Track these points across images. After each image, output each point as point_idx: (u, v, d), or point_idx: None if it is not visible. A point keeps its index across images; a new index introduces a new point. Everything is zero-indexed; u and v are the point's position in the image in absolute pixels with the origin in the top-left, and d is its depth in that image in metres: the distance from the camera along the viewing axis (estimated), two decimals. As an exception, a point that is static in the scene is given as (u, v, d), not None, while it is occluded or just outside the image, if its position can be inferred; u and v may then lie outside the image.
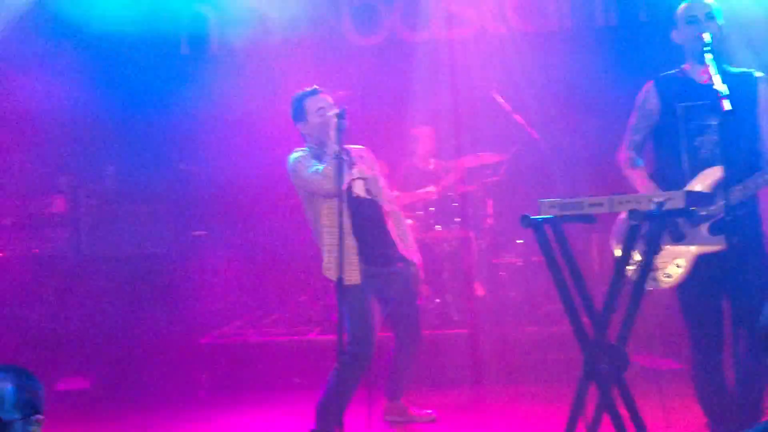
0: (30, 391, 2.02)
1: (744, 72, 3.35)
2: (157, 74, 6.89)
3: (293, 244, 6.35)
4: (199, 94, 6.85)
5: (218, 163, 6.88)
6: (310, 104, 3.97)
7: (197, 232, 6.75)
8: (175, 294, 6.33)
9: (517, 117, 6.05)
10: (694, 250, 3.20)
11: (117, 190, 6.68)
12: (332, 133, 3.75)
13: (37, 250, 6.37)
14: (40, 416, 2.01)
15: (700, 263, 3.19)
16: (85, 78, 6.58)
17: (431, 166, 6.61)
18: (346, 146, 4.05)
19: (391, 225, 4.06)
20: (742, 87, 3.25)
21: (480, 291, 6.21)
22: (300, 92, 4.05)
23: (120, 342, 5.91)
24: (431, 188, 6.09)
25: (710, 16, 3.29)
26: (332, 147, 3.75)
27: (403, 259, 4.07)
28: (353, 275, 3.81)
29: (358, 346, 3.81)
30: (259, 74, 6.95)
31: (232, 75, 6.98)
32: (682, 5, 3.37)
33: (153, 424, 4.77)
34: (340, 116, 3.72)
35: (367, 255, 3.92)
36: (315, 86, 4.07)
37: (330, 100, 4.00)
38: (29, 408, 1.99)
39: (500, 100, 6.10)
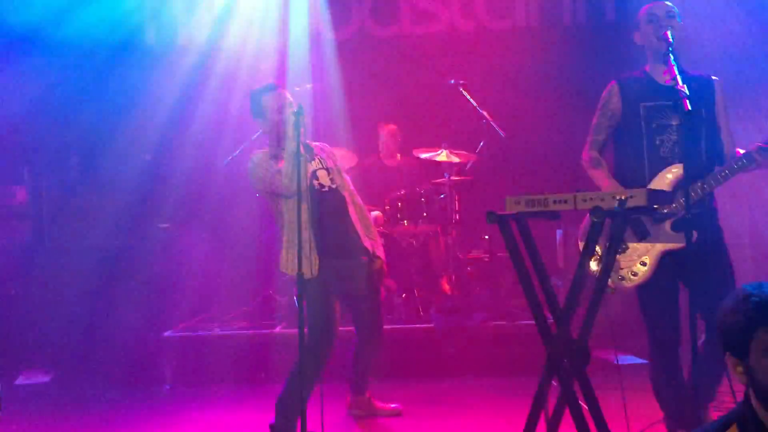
0: None
1: (701, 75, 3.44)
2: (121, 64, 6.80)
3: (259, 237, 6.33)
4: (164, 86, 6.79)
5: (184, 155, 6.82)
6: (269, 101, 3.94)
7: (162, 225, 6.68)
8: (139, 287, 6.26)
9: (484, 113, 6.09)
10: (658, 247, 3.27)
11: (80, 181, 6.60)
12: (290, 130, 3.72)
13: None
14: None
15: (666, 259, 3.26)
16: (47, 69, 6.47)
17: (396, 162, 6.64)
18: (307, 142, 4.04)
19: (354, 216, 4.04)
20: (701, 89, 3.33)
21: (446, 286, 6.25)
22: (258, 88, 4.01)
23: (83, 335, 5.84)
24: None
25: (671, 16, 3.36)
26: (290, 145, 3.72)
27: (366, 251, 4.05)
28: (309, 269, 3.77)
29: (317, 339, 3.80)
30: (227, 67, 6.91)
31: (199, 67, 6.93)
32: (644, 7, 3.44)
33: (116, 417, 4.73)
34: (297, 113, 3.67)
35: (328, 247, 3.89)
36: (272, 82, 4.04)
37: (289, 96, 3.96)
38: None
39: (467, 96, 6.14)
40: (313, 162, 3.99)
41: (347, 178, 4.19)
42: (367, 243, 4.05)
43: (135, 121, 6.80)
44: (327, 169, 4.02)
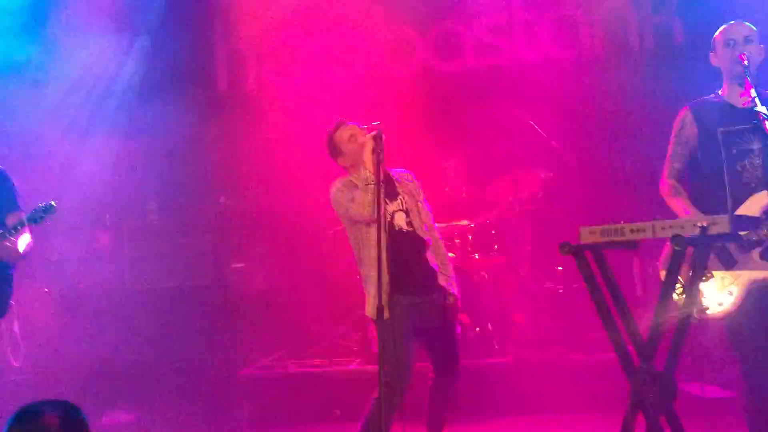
0: (76, 425, 2.05)
1: None
2: (194, 111, 7.05)
3: (332, 275, 6.39)
4: (236, 130, 6.99)
5: (257, 197, 6.99)
6: (340, 136, 4.01)
7: (237, 264, 6.83)
8: (216, 326, 6.40)
9: (554, 143, 6.03)
10: (746, 276, 3.13)
11: (159, 224, 6.82)
12: (367, 157, 3.75)
13: (81, 285, 6.51)
14: (85, 449, 2.04)
15: (754, 289, 3.12)
16: (125, 119, 6.77)
17: (463, 196, 6.61)
18: (389, 170, 4.07)
19: (429, 255, 4.04)
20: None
21: (520, 319, 6.14)
22: (329, 129, 4.08)
23: (163, 374, 5.97)
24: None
25: (749, 40, 3.26)
26: (366, 174, 3.76)
27: (441, 289, 4.04)
28: (386, 309, 3.78)
29: (393, 377, 3.77)
30: (296, 108, 7.07)
31: (269, 109, 7.12)
32: (721, 28, 3.35)
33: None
34: (375, 138, 3.72)
35: (404, 285, 3.89)
36: (340, 119, 4.11)
37: (357, 126, 4.02)
38: None
39: (536, 126, 6.09)
40: (394, 202, 4.00)
41: (427, 211, 4.18)
42: (441, 280, 4.03)
43: (208, 164, 7.02)
44: (405, 211, 4.02)
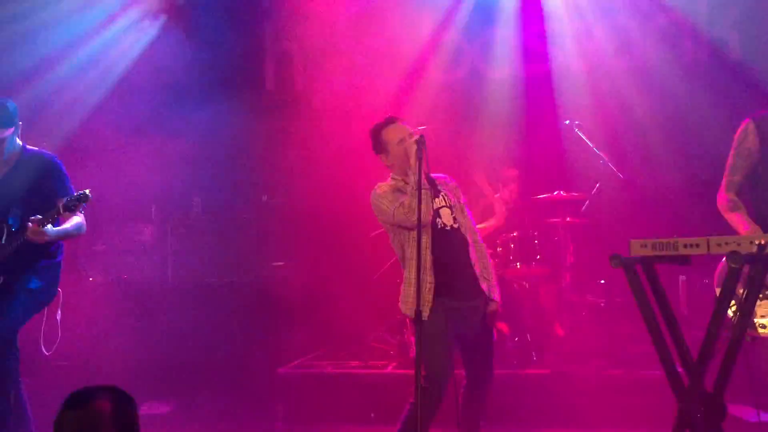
0: (127, 412, 2.07)
1: None
2: (242, 110, 7.12)
3: (372, 277, 6.38)
4: (282, 130, 7.05)
5: (300, 196, 7.02)
6: (389, 135, 3.95)
7: (277, 263, 6.87)
8: (254, 323, 6.45)
9: (601, 154, 5.95)
10: None
11: (203, 220, 6.90)
12: (413, 162, 3.71)
13: (125, 276, 6.62)
14: (136, 433, 2.06)
15: None
16: (175, 117, 6.86)
17: (513, 205, 6.55)
18: (431, 175, 4.04)
19: (474, 257, 3.99)
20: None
21: (560, 331, 6.06)
22: (378, 123, 4.04)
23: (201, 369, 6.03)
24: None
25: None
26: (413, 178, 3.72)
27: (482, 294, 4.00)
28: (426, 311, 3.74)
29: (432, 381, 3.74)
30: (342, 110, 7.09)
31: (315, 110, 7.16)
32: None
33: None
34: (419, 143, 3.68)
35: (447, 288, 3.84)
36: (390, 116, 4.07)
37: (408, 129, 3.97)
38: (126, 425, 2.04)
39: (583, 136, 6.01)
40: (437, 199, 3.97)
41: (470, 215, 4.15)
42: (483, 285, 3.98)
43: (252, 162, 7.09)
44: (450, 207, 3.98)
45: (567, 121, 6.11)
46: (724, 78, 6.52)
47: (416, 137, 3.73)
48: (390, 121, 4.01)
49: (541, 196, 6.21)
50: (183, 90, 7.04)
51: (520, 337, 5.87)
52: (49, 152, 4.44)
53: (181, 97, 7.04)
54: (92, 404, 2.04)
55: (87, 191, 4.14)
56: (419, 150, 3.66)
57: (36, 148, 4.40)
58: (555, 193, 6.12)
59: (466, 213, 4.06)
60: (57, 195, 4.20)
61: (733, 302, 3.08)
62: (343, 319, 6.63)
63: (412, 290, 3.75)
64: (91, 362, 5.84)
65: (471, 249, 3.96)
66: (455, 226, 3.94)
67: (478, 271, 3.97)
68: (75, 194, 4.14)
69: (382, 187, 3.97)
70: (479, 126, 7.03)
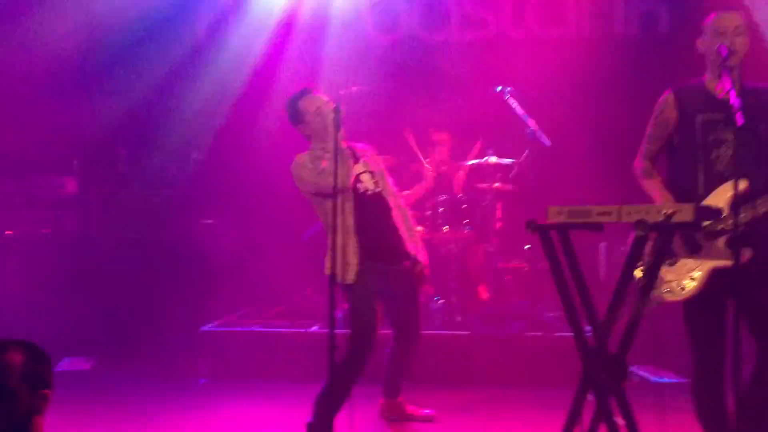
0: (39, 365, 2.04)
1: (761, 87, 3.33)
2: (173, 64, 6.92)
3: (301, 236, 6.37)
4: (213, 85, 6.88)
5: (230, 154, 6.91)
6: (306, 105, 3.96)
7: (206, 221, 6.78)
8: (180, 281, 6.37)
9: (531, 121, 6.03)
10: (710, 263, 3.17)
11: (128, 175, 6.73)
12: (331, 129, 3.71)
13: (47, 230, 6.42)
14: (47, 391, 2.03)
15: (716, 276, 3.17)
16: (101, 63, 6.62)
17: (443, 169, 6.60)
18: (350, 144, 4.05)
19: (398, 221, 4.05)
20: (758, 102, 3.23)
21: (484, 294, 6.20)
22: (293, 94, 4.03)
23: (124, 325, 5.95)
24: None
25: (738, 32, 3.26)
26: (331, 144, 3.71)
27: (408, 256, 4.06)
28: (350, 274, 3.81)
29: (357, 342, 3.80)
30: (276, 66, 6.97)
31: (248, 67, 7.01)
32: (712, 16, 3.34)
33: (152, 408, 4.79)
34: (335, 111, 3.66)
35: (371, 250, 3.90)
36: (305, 87, 4.05)
37: (324, 98, 3.99)
38: (37, 381, 2.01)
39: (514, 103, 6.08)
40: (357, 165, 4.00)
41: (391, 181, 4.19)
42: (410, 247, 4.05)
43: (183, 117, 6.92)
44: (371, 173, 4.02)
45: (499, 88, 6.15)
46: (653, 50, 6.67)
47: (333, 106, 3.74)
48: (305, 91, 4.01)
49: (470, 161, 6.28)
50: (111, 41, 6.79)
51: (446, 300, 5.98)
52: None
53: (109, 49, 6.79)
54: (2, 356, 1.99)
55: None
56: (336, 117, 3.66)
57: None
58: (484, 158, 6.20)
59: (386, 179, 4.11)
60: None
61: (641, 269, 3.20)
62: (271, 279, 6.62)
63: (336, 254, 3.79)
64: (7, 317, 5.67)
65: (394, 212, 4.02)
66: (377, 190, 3.98)
67: (403, 234, 4.03)
68: None
69: (302, 157, 3.97)
70: (412, 89, 7.02)
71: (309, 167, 3.88)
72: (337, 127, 3.65)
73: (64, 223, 6.51)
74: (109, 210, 6.55)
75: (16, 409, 1.95)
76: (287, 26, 7.04)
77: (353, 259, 3.84)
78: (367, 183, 3.98)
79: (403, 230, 4.05)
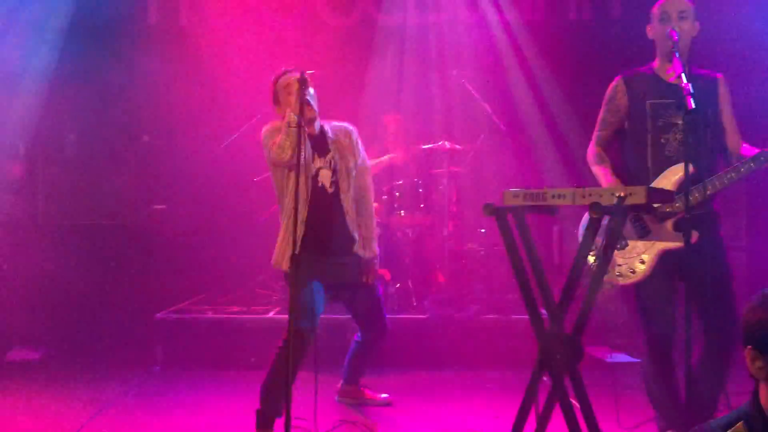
0: None
1: (707, 73, 3.41)
2: (122, 42, 6.76)
3: (255, 223, 6.30)
4: (164, 67, 6.74)
5: (182, 138, 6.79)
6: (279, 85, 3.92)
7: (158, 206, 6.66)
8: (132, 267, 6.26)
9: (486, 106, 6.06)
10: (659, 246, 3.25)
11: (77, 158, 6.56)
12: (293, 100, 3.66)
13: (-7, 217, 6.23)
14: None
15: (665, 258, 3.24)
16: (47, 42, 6.42)
17: (399, 151, 6.59)
18: (326, 124, 4.00)
19: (350, 221, 3.97)
20: (706, 87, 3.31)
21: (441, 278, 6.24)
22: (274, 77, 3.98)
23: (75, 313, 5.82)
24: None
25: (683, 16, 3.32)
26: (289, 117, 3.66)
27: (356, 257, 3.99)
28: (287, 263, 3.66)
29: (295, 326, 3.74)
30: (230, 49, 6.86)
31: (201, 49, 6.88)
32: (658, 2, 3.40)
33: (105, 396, 4.71)
34: (300, 81, 3.59)
35: (314, 243, 3.82)
36: (284, 68, 3.99)
37: (295, 75, 3.88)
38: None
39: (470, 88, 6.10)
40: (321, 159, 3.91)
41: (362, 170, 4.07)
42: (360, 250, 3.98)
43: (133, 101, 6.77)
44: (332, 170, 3.94)
45: (455, 72, 6.17)
46: (605, 35, 6.75)
47: (298, 75, 3.65)
48: (283, 73, 3.95)
49: (426, 145, 6.29)
50: (60, 23, 6.59)
51: (402, 284, 6.00)
52: None
53: (60, 30, 6.58)
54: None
55: None
56: (300, 88, 3.58)
57: None
58: (440, 143, 6.21)
59: (356, 173, 4.02)
60: None
61: (593, 251, 3.26)
62: (226, 265, 6.55)
63: (283, 239, 3.79)
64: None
65: (348, 216, 3.94)
66: (331, 190, 3.91)
67: (354, 237, 3.96)
68: None
69: (271, 124, 3.91)
70: (369, 73, 6.98)
71: (268, 136, 3.82)
72: (301, 97, 3.56)
73: (10, 209, 6.32)
74: (58, 196, 6.37)
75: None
76: (243, 6, 6.93)
77: (292, 248, 3.74)
78: (324, 179, 3.92)
79: (352, 227, 3.95)
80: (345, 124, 4.12)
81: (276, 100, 3.96)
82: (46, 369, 5.43)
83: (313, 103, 3.83)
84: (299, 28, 6.85)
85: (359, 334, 4.31)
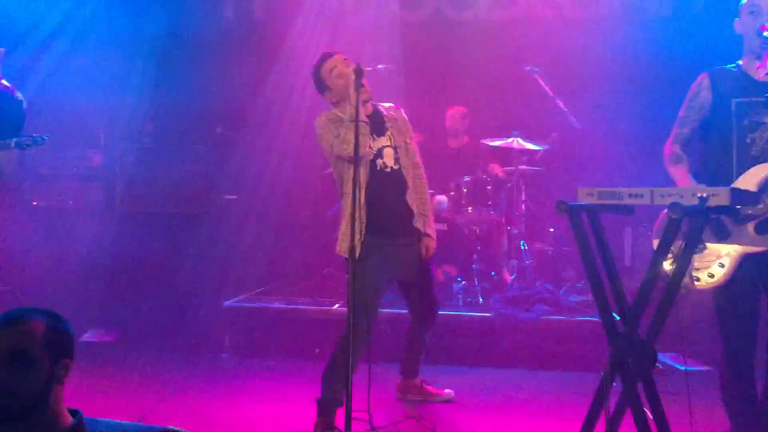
0: (61, 335, 2.04)
1: None
2: (199, 36, 6.91)
3: (323, 214, 6.36)
4: (239, 61, 6.86)
5: (254, 130, 6.90)
6: (325, 70, 3.89)
7: (230, 196, 6.78)
8: (204, 255, 6.38)
9: (559, 102, 5.94)
10: (739, 249, 3.10)
11: (153, 149, 6.74)
12: (351, 92, 3.62)
13: (72, 202, 6.47)
14: (68, 360, 2.03)
15: (747, 262, 3.10)
16: (130, 37, 6.63)
17: (461, 144, 6.54)
18: (378, 105, 3.99)
19: (410, 197, 3.96)
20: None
21: (507, 276, 6.15)
22: (316, 61, 3.96)
23: (148, 298, 5.98)
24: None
25: None
26: (350, 110, 3.63)
27: (417, 231, 3.98)
28: (358, 249, 3.67)
29: (357, 317, 3.74)
30: (304, 43, 6.93)
31: (276, 46, 6.98)
32: None
33: (174, 380, 4.83)
34: (356, 73, 3.58)
35: (380, 227, 3.83)
36: (325, 52, 3.97)
37: (342, 57, 3.90)
38: (59, 350, 2.01)
39: (542, 83, 5.99)
40: (382, 138, 3.92)
41: (414, 148, 4.09)
42: (418, 224, 3.98)
43: (208, 93, 6.91)
44: (394, 148, 3.94)
45: (528, 68, 6.07)
46: (687, 31, 6.53)
47: (354, 66, 3.64)
48: (326, 56, 3.93)
49: (497, 141, 6.20)
50: (140, 12, 6.80)
51: (468, 281, 5.95)
52: (20, 94, 4.39)
53: (138, 22, 6.79)
54: (26, 324, 2.00)
55: (45, 137, 4.12)
56: (357, 79, 3.57)
57: (9, 84, 4.34)
58: (511, 139, 6.12)
59: (410, 150, 4.02)
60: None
61: (670, 254, 3.14)
62: (294, 255, 6.62)
63: (344, 229, 3.74)
64: (33, 287, 5.73)
65: (408, 189, 3.94)
66: (395, 167, 3.91)
67: (414, 209, 3.96)
68: (34, 135, 4.11)
69: (322, 116, 3.90)
70: (441, 69, 6.95)
71: (327, 128, 3.81)
72: (358, 89, 3.56)
73: (89, 196, 6.54)
74: (134, 184, 6.56)
75: (36, 377, 1.95)
76: (311, 4, 6.99)
77: (358, 235, 3.74)
78: (386, 159, 3.90)
79: (415, 206, 3.97)
80: (391, 104, 4.11)
81: (323, 87, 3.93)
82: (119, 352, 5.60)
83: (367, 90, 3.79)
84: (371, 23, 6.86)
85: (410, 322, 4.26)
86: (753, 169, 3.12)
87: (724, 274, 3.11)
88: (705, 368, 4.67)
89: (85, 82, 6.56)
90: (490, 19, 7.12)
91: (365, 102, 3.82)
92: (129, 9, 6.74)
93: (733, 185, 3.10)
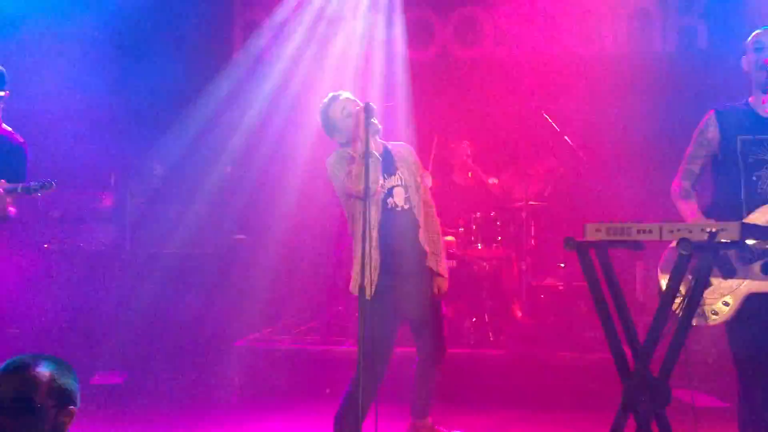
0: (66, 382, 2.04)
1: None
2: (207, 78, 7.00)
3: (333, 252, 6.35)
4: (248, 100, 6.94)
5: (263, 169, 6.94)
6: (335, 111, 3.89)
7: (238, 236, 6.80)
8: (213, 296, 6.37)
9: (566, 138, 5.96)
10: (744, 288, 3.06)
11: (163, 190, 6.79)
12: (361, 131, 3.61)
13: (82, 244, 6.49)
14: (73, 407, 2.02)
15: (753, 302, 3.06)
16: (139, 78, 6.72)
17: (468, 182, 6.55)
18: (387, 144, 4.00)
19: (422, 236, 3.95)
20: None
21: (518, 313, 6.11)
22: (321, 104, 3.97)
23: (157, 339, 5.96)
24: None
25: None
26: (360, 147, 3.63)
27: (429, 271, 3.97)
28: (367, 290, 3.63)
29: (370, 359, 3.71)
30: (310, 84, 7.00)
31: (284, 83, 7.06)
32: (754, 32, 3.27)
33: (183, 423, 4.79)
34: (366, 111, 3.59)
35: (392, 266, 3.81)
36: (332, 93, 3.97)
37: (351, 96, 3.92)
38: (63, 398, 2.01)
39: (549, 119, 6.02)
40: (392, 177, 3.93)
41: (425, 187, 4.10)
42: (430, 263, 3.96)
43: (217, 133, 6.98)
44: (405, 187, 3.95)
45: (534, 105, 6.11)
46: (692, 67, 6.56)
47: (363, 104, 3.66)
48: (332, 99, 3.93)
49: (492, 180, 6.18)
50: (146, 55, 6.90)
51: (478, 318, 5.91)
52: (20, 137, 4.41)
53: (145, 62, 6.89)
54: (30, 371, 2.00)
55: (53, 182, 4.14)
56: (367, 118, 3.58)
57: (10, 129, 4.37)
58: (519, 175, 6.13)
59: (421, 190, 4.03)
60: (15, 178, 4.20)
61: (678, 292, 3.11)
62: (303, 295, 6.60)
63: (357, 267, 3.73)
64: (43, 330, 5.73)
65: (421, 229, 3.93)
66: (406, 207, 3.90)
67: (427, 250, 3.94)
68: (41, 181, 4.13)
69: (334, 155, 3.90)
70: (447, 105, 7.00)
71: (338, 166, 3.81)
72: (368, 127, 3.56)
73: (99, 237, 6.57)
74: (144, 225, 6.60)
75: (40, 424, 1.95)
76: (321, 41, 7.08)
77: (372, 275, 3.72)
78: (397, 198, 3.90)
79: (426, 246, 3.95)
80: (402, 143, 4.12)
81: (332, 129, 3.91)
82: (127, 394, 5.56)
83: (377, 127, 3.80)
84: (378, 60, 6.93)
85: (419, 361, 4.19)
86: (764, 207, 3.10)
87: (729, 312, 3.07)
88: (720, 405, 4.59)
89: (94, 124, 6.64)
90: (495, 55, 7.18)
91: (375, 138, 3.83)
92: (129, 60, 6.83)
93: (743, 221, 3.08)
